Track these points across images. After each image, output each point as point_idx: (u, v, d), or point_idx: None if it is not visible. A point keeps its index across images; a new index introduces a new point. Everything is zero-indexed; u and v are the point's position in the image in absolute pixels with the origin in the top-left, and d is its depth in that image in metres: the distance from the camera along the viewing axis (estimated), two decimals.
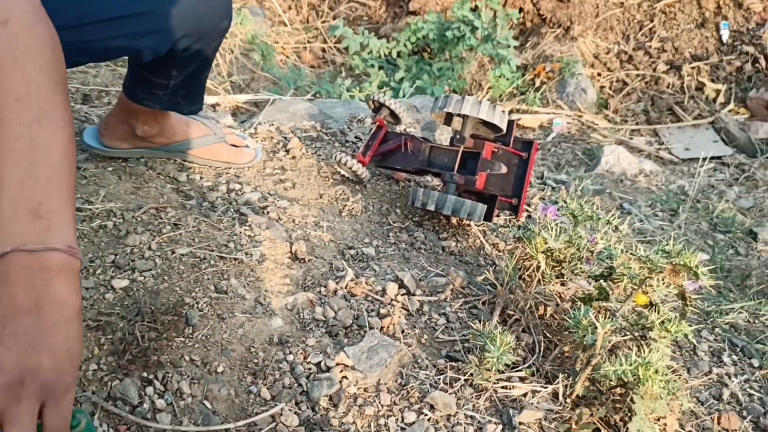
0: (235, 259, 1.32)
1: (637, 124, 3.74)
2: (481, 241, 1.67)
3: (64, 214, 0.70)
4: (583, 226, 1.30)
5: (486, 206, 1.62)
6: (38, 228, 0.68)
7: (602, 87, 3.93)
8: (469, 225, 1.73)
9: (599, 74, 3.97)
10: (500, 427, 1.08)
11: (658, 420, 1.13)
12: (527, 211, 1.93)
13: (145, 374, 1.03)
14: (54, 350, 0.65)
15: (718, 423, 1.22)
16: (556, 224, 1.29)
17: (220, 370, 1.09)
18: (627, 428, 1.08)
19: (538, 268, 1.30)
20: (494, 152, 1.70)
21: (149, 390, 1.02)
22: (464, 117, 1.69)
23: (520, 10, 3.97)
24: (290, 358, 1.14)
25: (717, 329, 1.51)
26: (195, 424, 0.99)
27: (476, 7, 3.85)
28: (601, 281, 1.27)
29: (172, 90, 1.41)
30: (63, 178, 0.72)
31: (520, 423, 1.09)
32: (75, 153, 0.75)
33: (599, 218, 1.29)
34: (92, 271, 1.19)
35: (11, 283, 0.65)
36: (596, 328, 1.11)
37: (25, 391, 0.62)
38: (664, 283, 1.19)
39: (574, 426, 1.10)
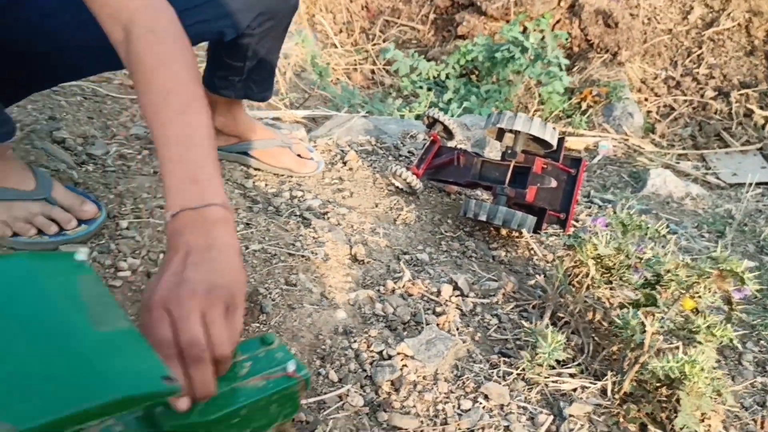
0: (303, 256, 1.42)
1: (684, 148, 3.76)
2: (530, 252, 1.74)
3: (216, 179, 0.87)
4: (632, 235, 1.37)
5: (535, 218, 1.69)
6: (198, 191, 0.84)
7: (649, 112, 3.97)
8: (518, 236, 1.80)
9: (646, 99, 4.02)
10: (551, 417, 1.15)
11: (703, 419, 1.18)
12: (574, 226, 1.99)
13: None
14: (229, 273, 0.80)
15: (761, 427, 1.27)
16: (606, 234, 1.36)
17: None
18: (673, 424, 1.13)
19: (588, 274, 1.36)
20: (544, 167, 1.78)
21: None
22: (516, 133, 1.77)
23: (568, 35, 4.04)
24: (354, 346, 1.23)
25: (762, 341, 1.55)
26: None
27: (525, 29, 3.94)
28: (648, 288, 1.33)
29: (246, 74, 1.55)
30: (211, 152, 0.89)
31: (570, 415, 1.15)
32: (214, 132, 0.92)
33: (648, 228, 1.35)
34: None
35: (185, 233, 0.81)
36: (644, 328, 1.17)
37: (214, 299, 0.76)
38: (710, 290, 1.24)
39: (621, 420, 1.16)
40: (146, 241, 1.34)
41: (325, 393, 1.12)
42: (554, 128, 1.73)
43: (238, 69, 1.54)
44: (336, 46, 4.41)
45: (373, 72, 4.33)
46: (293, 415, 0.89)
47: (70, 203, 1.32)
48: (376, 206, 1.83)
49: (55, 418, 0.53)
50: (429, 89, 3.89)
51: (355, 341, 1.24)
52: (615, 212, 1.40)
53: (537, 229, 1.72)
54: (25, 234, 1.25)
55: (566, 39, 3.94)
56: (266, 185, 1.78)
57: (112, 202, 1.44)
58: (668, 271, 1.30)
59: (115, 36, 0.96)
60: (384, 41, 4.56)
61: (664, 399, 1.20)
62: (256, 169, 1.82)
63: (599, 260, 1.34)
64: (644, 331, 1.17)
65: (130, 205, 1.45)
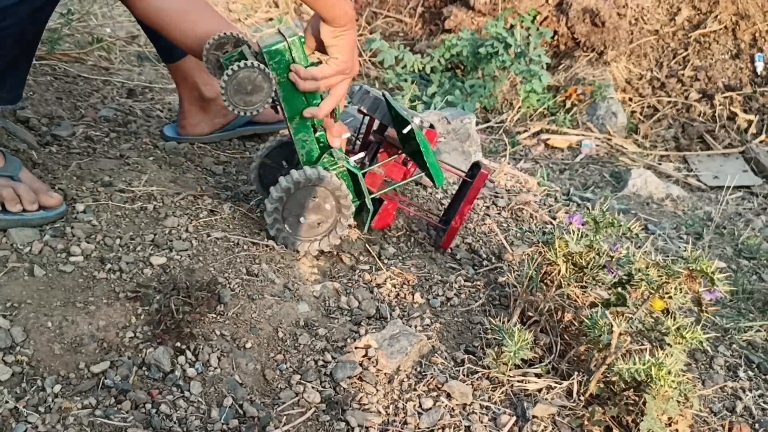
0: (267, 245, 1.38)
1: (666, 150, 3.75)
2: (502, 248, 1.71)
3: None
4: (606, 233, 1.34)
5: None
6: None
7: (633, 112, 3.95)
8: (490, 231, 1.77)
9: (630, 99, 4.00)
10: (514, 418, 1.11)
11: (670, 423, 1.16)
12: (550, 223, 1.96)
13: (178, 344, 1.09)
14: None
15: None
16: (580, 231, 1.32)
17: (248, 345, 1.14)
18: (639, 428, 1.10)
19: (559, 272, 1.33)
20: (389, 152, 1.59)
21: (181, 359, 1.07)
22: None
23: (555, 32, 4.01)
24: (315, 341, 1.19)
25: (734, 345, 1.53)
26: (222, 394, 1.04)
27: (511, 26, 3.91)
28: (619, 288, 1.30)
29: None
30: None
31: (534, 416, 1.12)
32: None
33: (620, 225, 1.32)
34: (132, 248, 1.25)
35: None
36: (612, 328, 1.14)
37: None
38: (681, 291, 1.21)
39: (586, 422, 1.13)
40: (103, 225, 1.29)
41: (281, 389, 1.08)
42: (422, 120, 1.51)
43: None
44: None
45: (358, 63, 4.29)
46: None
47: (36, 187, 1.28)
48: None
49: None
50: (413, 82, 3.85)
51: (316, 335, 1.20)
52: (588, 209, 1.37)
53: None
54: None
55: (552, 37, 3.91)
56: (237, 172, 1.74)
57: (71, 184, 1.39)
58: (639, 270, 1.27)
59: None
60: (371, 33, 4.51)
61: (631, 402, 1.17)
62: (229, 155, 1.78)
63: (570, 258, 1.31)
64: (612, 332, 1.14)
65: (89, 189, 1.40)
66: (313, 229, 1.38)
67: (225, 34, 1.32)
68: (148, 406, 0.99)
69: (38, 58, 2.24)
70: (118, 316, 1.10)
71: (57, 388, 0.97)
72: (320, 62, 1.33)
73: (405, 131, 1.41)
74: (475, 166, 1.58)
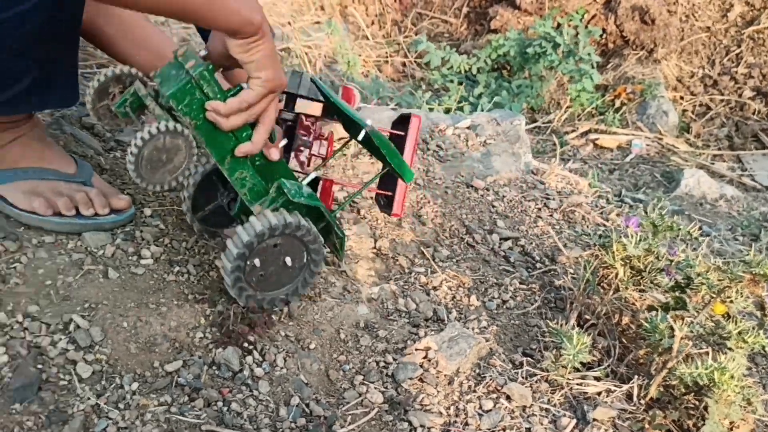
0: (324, 246, 1.41)
1: (719, 149, 3.68)
2: (557, 250, 1.71)
3: None
4: (663, 236, 1.33)
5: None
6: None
7: (684, 111, 3.89)
8: (546, 233, 1.77)
9: (682, 98, 3.94)
10: (574, 421, 1.12)
11: (731, 428, 1.15)
12: (603, 225, 1.96)
13: (245, 344, 1.12)
14: None
15: None
16: (637, 234, 1.32)
17: (312, 346, 1.17)
18: None
19: (617, 276, 1.33)
20: (309, 126, 1.37)
21: (249, 359, 1.11)
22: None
23: (603, 31, 3.97)
24: (376, 342, 1.22)
25: None
26: (289, 394, 1.08)
27: (558, 25, 3.88)
28: (678, 291, 1.30)
29: None
30: None
31: (594, 419, 1.12)
32: None
33: (679, 229, 1.32)
34: (197, 251, 1.29)
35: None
36: (673, 332, 1.14)
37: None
38: (743, 295, 1.21)
39: (647, 426, 1.13)
40: (170, 228, 1.34)
41: (344, 389, 1.11)
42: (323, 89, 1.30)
43: None
44: (368, 38, 4.39)
45: (404, 65, 4.31)
46: None
47: (107, 191, 1.33)
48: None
49: None
50: (460, 83, 3.85)
51: (376, 336, 1.23)
52: (646, 212, 1.37)
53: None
54: (66, 211, 1.25)
55: (600, 35, 3.87)
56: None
57: (137, 188, 1.45)
58: (699, 275, 1.26)
59: None
60: (416, 34, 4.52)
61: (692, 406, 1.17)
62: None
63: (628, 261, 1.31)
64: (673, 336, 1.14)
65: (155, 193, 1.45)
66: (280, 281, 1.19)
67: (107, 75, 1.13)
68: (220, 404, 1.03)
69: (98, 65, 2.31)
70: (188, 317, 1.14)
71: (134, 385, 1.02)
72: (239, 88, 1.11)
73: (360, 138, 1.20)
74: (404, 118, 1.35)
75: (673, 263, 1.28)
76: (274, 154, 1.18)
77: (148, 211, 1.36)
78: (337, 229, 1.23)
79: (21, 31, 1.05)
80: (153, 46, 1.44)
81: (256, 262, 1.12)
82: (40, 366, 1.01)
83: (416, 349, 1.20)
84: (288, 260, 1.16)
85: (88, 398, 0.98)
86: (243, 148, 1.13)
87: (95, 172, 1.42)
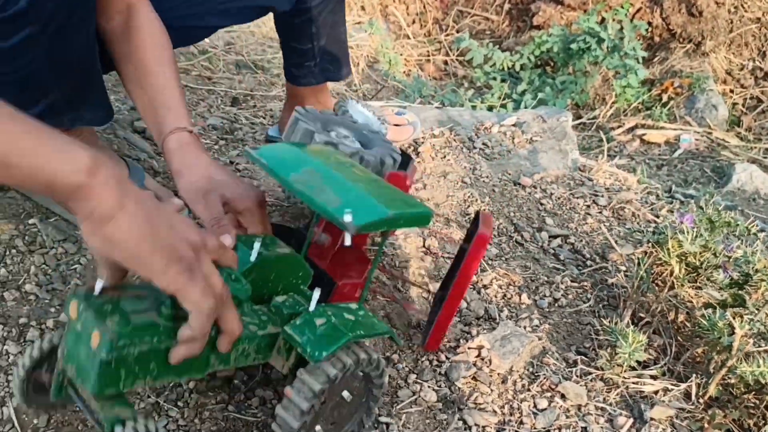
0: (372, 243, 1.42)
1: None
2: (609, 248, 1.69)
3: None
4: (720, 233, 1.30)
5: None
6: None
7: (735, 104, 3.80)
8: (596, 230, 1.75)
9: (731, 91, 3.84)
10: (631, 420, 1.10)
11: None
12: (654, 222, 1.92)
13: None
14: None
15: None
16: (694, 230, 1.30)
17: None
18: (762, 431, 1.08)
19: (671, 272, 1.31)
20: None
21: None
22: None
23: (649, 24, 3.90)
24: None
25: None
26: None
27: (603, 19, 3.83)
28: (736, 289, 1.27)
29: (319, 56, 1.58)
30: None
31: (652, 418, 1.11)
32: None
33: (737, 224, 1.29)
34: None
35: None
36: (733, 330, 1.12)
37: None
38: None
39: (706, 425, 1.11)
40: None
41: (399, 387, 1.12)
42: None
43: (308, 52, 1.57)
44: (409, 37, 4.39)
45: (445, 63, 4.29)
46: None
47: (161, 194, 1.36)
48: (448, 198, 1.81)
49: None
50: (503, 80, 3.83)
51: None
52: (701, 207, 1.34)
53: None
54: None
55: (646, 29, 3.80)
56: None
57: None
58: (758, 271, 1.23)
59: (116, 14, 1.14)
60: (457, 32, 4.51)
61: (752, 405, 1.14)
62: None
63: (684, 258, 1.29)
64: (732, 333, 1.12)
65: None
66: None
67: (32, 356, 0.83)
68: (275, 402, 1.04)
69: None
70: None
71: (191, 384, 1.04)
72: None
73: (347, 244, 0.82)
74: (474, 222, 1.15)
75: (730, 259, 1.25)
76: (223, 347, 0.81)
77: None
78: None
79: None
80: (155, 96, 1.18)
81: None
82: None
83: (469, 348, 1.19)
84: (346, 395, 0.92)
85: (149, 396, 1.00)
86: (215, 363, 0.82)
87: (148, 174, 1.45)
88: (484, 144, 2.19)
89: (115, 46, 1.16)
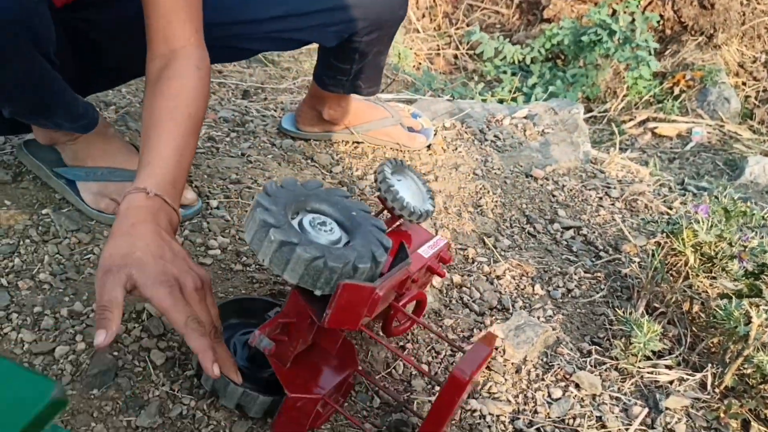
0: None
1: None
2: (621, 239, 1.68)
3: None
4: (736, 222, 1.29)
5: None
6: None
7: (747, 97, 3.77)
8: (609, 222, 1.74)
9: (744, 83, 3.81)
10: (646, 410, 1.10)
11: None
12: (668, 213, 1.91)
13: None
14: None
15: None
16: (709, 220, 1.29)
17: (379, 335, 1.17)
18: None
19: (686, 263, 1.30)
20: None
21: None
22: None
23: (660, 17, 3.88)
24: (443, 331, 1.21)
25: None
26: (357, 380, 1.08)
27: (614, 12, 3.81)
28: (752, 279, 1.26)
29: (354, 75, 1.58)
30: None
31: (667, 408, 1.10)
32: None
33: (753, 214, 1.28)
34: None
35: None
36: (749, 319, 1.11)
37: None
38: None
39: (722, 415, 1.10)
40: (235, 220, 1.36)
41: (413, 375, 1.11)
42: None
43: (345, 70, 1.57)
44: (419, 31, 4.38)
45: (455, 57, 4.28)
46: None
47: None
48: (460, 190, 1.80)
49: None
50: (513, 74, 3.81)
51: (441, 326, 1.23)
52: (717, 197, 1.33)
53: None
54: None
55: (657, 21, 3.78)
56: (351, 168, 1.78)
57: (202, 182, 1.47)
58: None
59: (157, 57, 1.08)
60: (467, 25, 4.49)
61: None
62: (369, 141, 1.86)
63: (699, 248, 1.28)
64: (749, 323, 1.11)
65: (220, 186, 1.47)
66: None
67: None
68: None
69: None
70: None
71: None
72: None
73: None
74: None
75: (746, 249, 1.24)
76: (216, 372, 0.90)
77: (214, 203, 1.38)
78: None
79: None
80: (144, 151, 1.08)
81: None
82: (115, 353, 1.03)
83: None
84: None
85: (163, 384, 1.00)
86: None
87: None
88: (495, 136, 2.18)
89: (146, 88, 1.10)
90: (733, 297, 1.23)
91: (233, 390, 0.93)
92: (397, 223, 1.12)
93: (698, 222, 1.26)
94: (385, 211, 1.09)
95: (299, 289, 0.87)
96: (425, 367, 1.13)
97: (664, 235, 1.34)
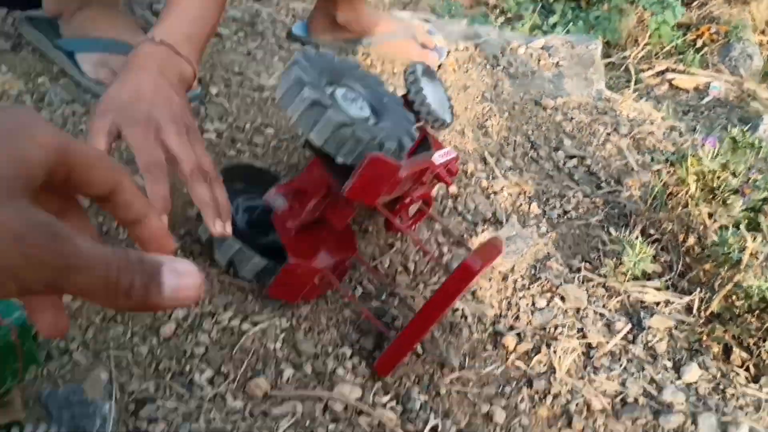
0: None
1: None
2: (626, 166, 1.65)
3: None
4: (743, 153, 1.27)
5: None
6: None
7: None
8: (614, 156, 1.71)
9: None
10: (629, 326, 1.09)
11: None
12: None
13: None
14: None
15: None
16: (715, 150, 1.26)
17: (369, 229, 1.16)
18: (760, 350, 1.06)
19: (687, 192, 1.28)
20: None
21: None
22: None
23: None
24: (433, 234, 1.20)
25: None
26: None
27: None
28: (752, 213, 1.24)
29: None
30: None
31: (650, 326, 1.09)
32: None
33: (761, 146, 1.25)
34: (261, 131, 1.29)
35: None
36: (744, 248, 1.09)
37: None
38: None
39: (704, 338, 1.10)
40: (234, 109, 1.33)
41: (398, 272, 1.11)
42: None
43: None
44: None
45: None
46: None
47: None
48: (466, 110, 1.77)
49: None
50: (534, 11, 3.72)
51: (433, 229, 1.22)
52: (725, 128, 1.30)
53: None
54: None
55: None
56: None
57: (204, 71, 1.44)
58: None
59: None
60: None
61: (755, 327, 1.13)
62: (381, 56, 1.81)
63: (702, 177, 1.25)
64: (743, 250, 1.09)
65: (221, 76, 1.44)
66: None
67: None
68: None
69: None
70: None
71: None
72: None
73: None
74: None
75: (750, 180, 1.22)
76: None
77: (214, 90, 1.36)
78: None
79: None
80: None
81: None
82: None
83: (472, 243, 1.18)
84: None
85: None
86: None
87: None
88: (508, 63, 2.13)
89: None
90: (730, 226, 1.21)
91: (229, 245, 0.91)
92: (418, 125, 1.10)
93: (704, 152, 1.24)
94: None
95: (320, 159, 0.89)
96: (411, 266, 1.13)
97: (668, 164, 1.31)
